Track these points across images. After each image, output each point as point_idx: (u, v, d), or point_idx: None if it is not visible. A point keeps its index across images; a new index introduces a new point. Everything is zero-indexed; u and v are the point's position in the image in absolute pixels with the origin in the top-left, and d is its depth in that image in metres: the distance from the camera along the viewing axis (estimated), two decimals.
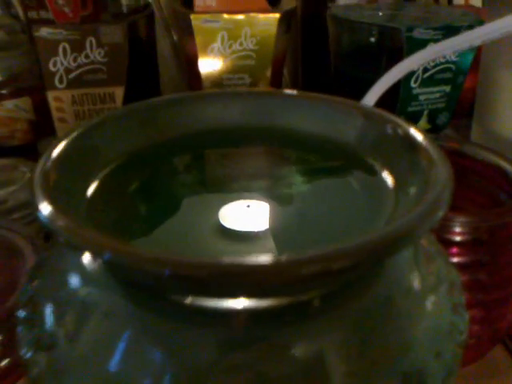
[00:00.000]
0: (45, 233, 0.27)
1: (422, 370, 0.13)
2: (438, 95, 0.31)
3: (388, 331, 0.13)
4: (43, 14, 0.27)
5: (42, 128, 0.41)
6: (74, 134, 0.15)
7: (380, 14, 0.34)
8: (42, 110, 0.40)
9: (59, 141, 0.15)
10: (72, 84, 0.29)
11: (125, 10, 0.29)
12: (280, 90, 0.20)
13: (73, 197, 0.14)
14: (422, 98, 0.31)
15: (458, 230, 0.23)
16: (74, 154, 0.15)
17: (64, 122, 0.30)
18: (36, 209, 0.12)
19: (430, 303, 0.14)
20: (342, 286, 0.13)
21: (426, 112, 0.32)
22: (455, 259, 0.23)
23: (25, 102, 0.39)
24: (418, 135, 0.15)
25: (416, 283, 0.15)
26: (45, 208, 0.12)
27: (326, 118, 0.18)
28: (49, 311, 0.14)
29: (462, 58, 0.30)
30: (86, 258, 0.14)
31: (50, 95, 0.29)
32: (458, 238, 0.23)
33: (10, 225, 0.25)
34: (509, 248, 0.24)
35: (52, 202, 0.12)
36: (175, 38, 0.47)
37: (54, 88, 0.29)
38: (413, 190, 0.14)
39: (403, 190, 0.14)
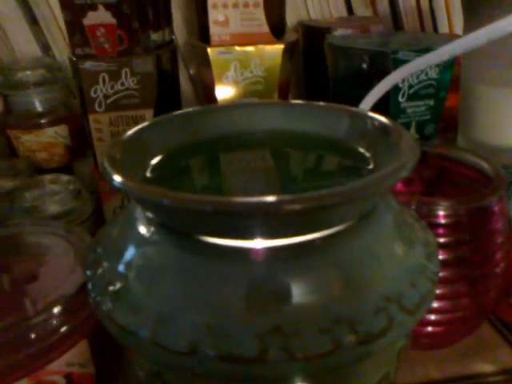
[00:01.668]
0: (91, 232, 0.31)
1: (400, 294, 0.17)
2: (423, 108, 0.36)
3: (373, 266, 0.17)
4: (87, 51, 0.33)
5: (77, 152, 0.46)
6: (132, 131, 0.20)
7: (371, 41, 0.39)
8: (76, 136, 0.46)
9: (122, 135, 0.19)
10: (109, 108, 0.34)
11: (153, 44, 0.35)
12: (284, 101, 0.25)
13: (131, 173, 0.18)
14: (409, 111, 0.36)
15: (441, 213, 0.27)
16: (132, 145, 0.19)
17: (102, 141, 0.35)
18: (111, 179, 0.17)
19: (407, 251, 0.18)
20: (338, 233, 0.17)
21: (413, 124, 0.36)
22: (441, 239, 0.27)
23: (62, 130, 0.44)
24: (389, 123, 0.20)
25: (396, 237, 0.19)
26: (116, 176, 0.16)
27: (320, 120, 0.23)
28: (112, 266, 0.19)
29: (442, 75, 0.35)
30: (138, 224, 0.19)
31: (91, 118, 0.34)
32: (441, 221, 0.27)
33: (64, 226, 0.29)
34: (486, 228, 0.28)
35: (120, 172, 0.17)
36: (192, 72, 0.52)
37: (95, 112, 0.34)
38: (388, 159, 0.18)
39: (381, 159, 0.18)
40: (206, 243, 0.17)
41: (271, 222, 0.15)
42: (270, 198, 0.14)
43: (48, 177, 0.35)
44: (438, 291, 0.28)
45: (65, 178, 0.35)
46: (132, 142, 0.20)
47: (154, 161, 0.21)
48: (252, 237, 0.16)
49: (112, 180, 0.17)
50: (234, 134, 0.24)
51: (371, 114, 0.21)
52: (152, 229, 0.18)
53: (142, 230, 0.18)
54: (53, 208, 0.33)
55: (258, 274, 0.16)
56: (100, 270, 0.19)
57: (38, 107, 0.44)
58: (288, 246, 0.16)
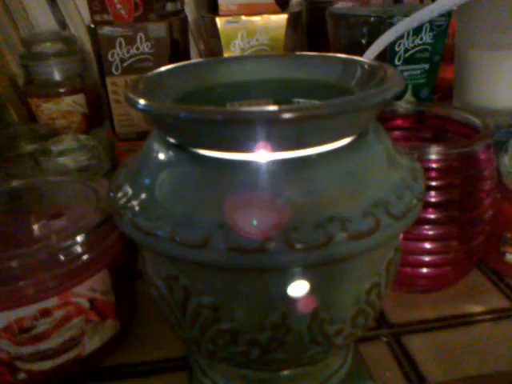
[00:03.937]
0: None
1: (387, 203, 0.19)
2: (419, 72, 0.38)
3: (363, 180, 0.19)
4: (105, 17, 0.35)
5: (94, 120, 0.49)
6: (152, 73, 0.22)
7: (370, 11, 0.41)
8: (93, 105, 0.49)
9: (143, 75, 0.22)
10: (125, 71, 0.37)
11: (165, 12, 0.37)
12: (287, 53, 0.27)
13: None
14: (405, 74, 0.38)
15: (433, 157, 0.29)
16: (151, 84, 0.22)
17: (118, 103, 0.38)
18: (135, 102, 0.19)
19: (394, 172, 0.21)
20: (332, 151, 0.19)
21: (410, 87, 0.39)
22: (433, 183, 0.30)
23: (80, 98, 0.47)
24: (376, 63, 0.22)
25: (385, 160, 0.21)
26: (141, 100, 0.19)
27: (317, 67, 0.26)
28: (134, 185, 0.21)
29: (436, 41, 0.37)
30: (157, 151, 0.21)
31: (108, 80, 0.37)
32: (433, 165, 0.29)
33: (85, 176, 0.32)
34: (475, 174, 0.30)
35: (143, 96, 0.19)
36: (202, 46, 0.55)
37: (112, 74, 0.37)
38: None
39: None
40: (215, 159, 0.19)
41: (273, 130, 0.18)
42: (273, 108, 0.17)
43: (67, 136, 0.38)
44: (430, 232, 0.31)
45: (83, 137, 0.38)
46: (151, 81, 0.22)
47: (170, 98, 0.23)
48: (256, 149, 0.18)
49: (136, 103, 0.19)
50: (242, 81, 0.26)
51: (360, 58, 0.23)
52: (170, 152, 0.21)
53: (161, 154, 0.21)
54: (73, 163, 0.36)
55: (261, 181, 0.19)
56: (122, 191, 0.22)
57: (57, 77, 0.46)
58: (289, 159, 0.19)
